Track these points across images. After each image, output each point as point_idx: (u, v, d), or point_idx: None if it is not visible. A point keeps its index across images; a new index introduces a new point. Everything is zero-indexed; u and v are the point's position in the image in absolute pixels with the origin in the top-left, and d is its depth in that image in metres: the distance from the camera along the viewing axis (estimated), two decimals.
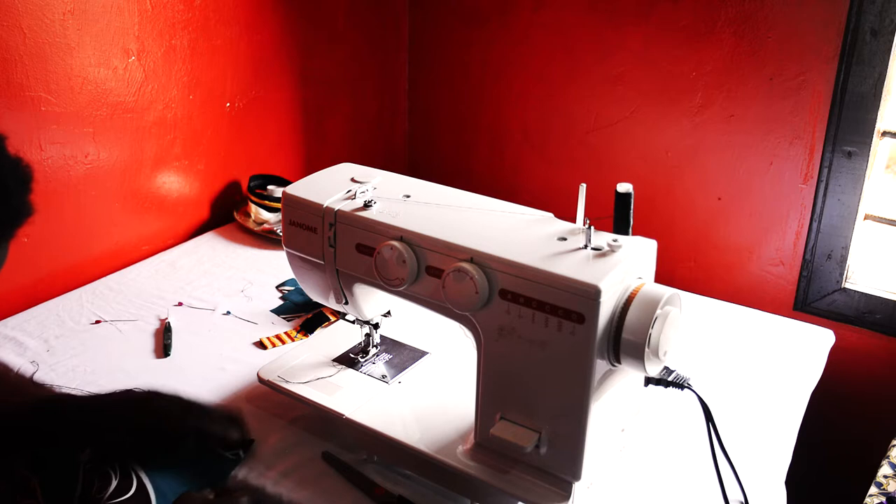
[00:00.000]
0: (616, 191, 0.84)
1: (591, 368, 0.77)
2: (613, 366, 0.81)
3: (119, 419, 0.87)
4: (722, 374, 1.17)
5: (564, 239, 0.83)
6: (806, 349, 1.26)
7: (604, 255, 0.80)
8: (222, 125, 1.61)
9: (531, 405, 0.83)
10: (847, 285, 1.53)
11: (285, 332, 1.25)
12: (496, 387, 0.85)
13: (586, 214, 0.85)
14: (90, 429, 0.87)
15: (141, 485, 0.93)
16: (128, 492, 0.91)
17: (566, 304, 0.76)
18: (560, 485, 0.84)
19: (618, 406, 0.88)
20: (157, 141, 1.48)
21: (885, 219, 1.51)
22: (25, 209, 0.72)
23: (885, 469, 1.14)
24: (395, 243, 0.86)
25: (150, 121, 1.46)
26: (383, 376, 1.02)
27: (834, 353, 1.30)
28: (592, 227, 0.82)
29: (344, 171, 1.02)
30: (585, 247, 0.81)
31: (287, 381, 1.01)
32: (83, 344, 1.21)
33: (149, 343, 1.22)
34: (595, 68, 1.70)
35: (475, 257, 0.82)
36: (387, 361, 1.05)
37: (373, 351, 1.06)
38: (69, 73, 1.31)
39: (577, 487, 0.84)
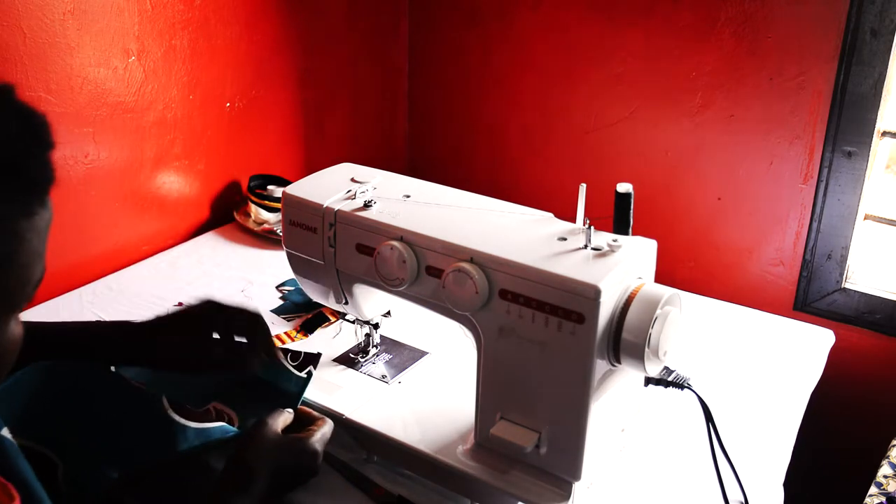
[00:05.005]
0: (616, 191, 0.85)
1: (591, 368, 0.78)
2: (613, 366, 0.81)
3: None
4: (722, 374, 1.17)
5: (564, 239, 0.83)
6: (806, 349, 1.26)
7: (604, 255, 0.80)
8: (222, 125, 1.60)
9: (531, 405, 0.83)
10: (847, 285, 1.53)
11: (285, 332, 1.25)
12: (496, 387, 0.85)
13: (586, 214, 0.85)
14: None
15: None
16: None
17: (566, 304, 0.76)
18: (560, 485, 0.84)
19: (618, 406, 0.88)
20: (157, 141, 1.48)
21: (885, 219, 1.51)
22: (47, 174, 0.55)
23: (885, 469, 1.14)
24: (395, 243, 0.86)
25: (150, 121, 1.46)
26: (383, 376, 1.02)
27: (834, 353, 1.30)
28: (592, 227, 0.82)
29: (344, 171, 1.02)
30: (585, 247, 0.81)
31: None
32: None
33: None
34: (595, 68, 1.70)
35: (475, 257, 0.82)
36: (387, 361, 1.05)
37: (373, 351, 1.06)
38: (69, 73, 1.31)
39: (577, 487, 0.84)
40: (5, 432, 0.67)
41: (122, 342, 0.91)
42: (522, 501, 0.85)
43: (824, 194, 1.50)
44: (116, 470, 0.83)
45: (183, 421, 0.87)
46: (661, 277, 0.86)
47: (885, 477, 1.12)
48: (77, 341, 0.90)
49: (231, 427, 0.91)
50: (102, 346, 0.91)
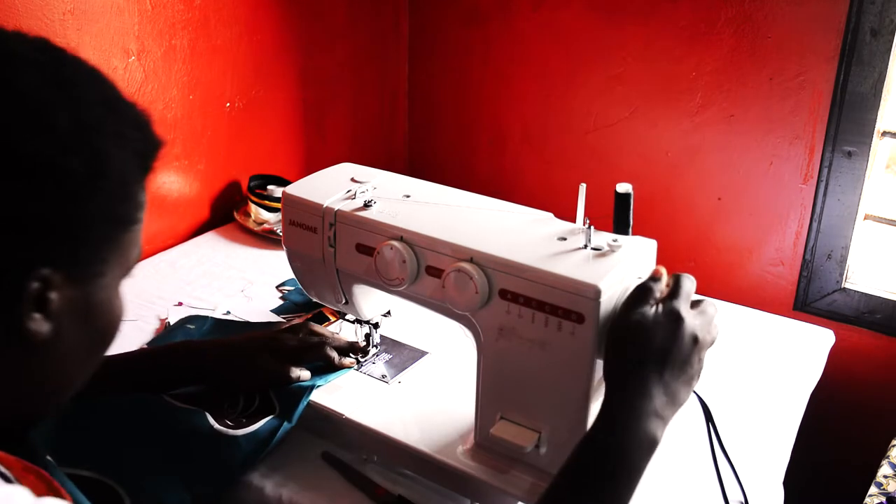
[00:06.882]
0: (616, 191, 0.84)
1: (591, 368, 0.78)
2: None
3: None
4: (722, 374, 1.17)
5: (564, 239, 0.83)
6: (806, 349, 1.26)
7: (604, 255, 0.80)
8: (222, 125, 1.60)
9: (531, 405, 0.83)
10: (847, 285, 1.53)
11: None
12: (496, 387, 0.85)
13: (586, 214, 0.85)
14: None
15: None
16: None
17: (566, 304, 0.76)
18: None
19: None
20: None
21: (885, 219, 1.51)
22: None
23: (885, 469, 1.14)
24: (395, 243, 0.86)
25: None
26: (383, 376, 1.02)
27: (834, 353, 1.30)
28: (592, 227, 0.82)
29: (344, 171, 1.02)
30: (585, 247, 0.81)
31: None
32: None
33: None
34: (595, 68, 1.70)
35: (475, 257, 0.82)
36: (387, 361, 1.05)
37: (373, 351, 1.06)
38: None
39: None
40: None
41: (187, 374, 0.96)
42: (522, 501, 0.85)
43: (824, 194, 1.50)
44: (187, 496, 0.83)
45: (231, 431, 0.88)
46: None
47: (885, 477, 1.12)
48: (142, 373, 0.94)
49: (276, 420, 0.93)
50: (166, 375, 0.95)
